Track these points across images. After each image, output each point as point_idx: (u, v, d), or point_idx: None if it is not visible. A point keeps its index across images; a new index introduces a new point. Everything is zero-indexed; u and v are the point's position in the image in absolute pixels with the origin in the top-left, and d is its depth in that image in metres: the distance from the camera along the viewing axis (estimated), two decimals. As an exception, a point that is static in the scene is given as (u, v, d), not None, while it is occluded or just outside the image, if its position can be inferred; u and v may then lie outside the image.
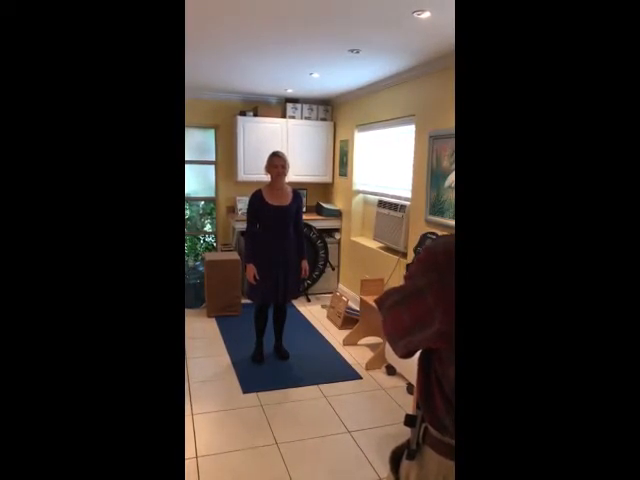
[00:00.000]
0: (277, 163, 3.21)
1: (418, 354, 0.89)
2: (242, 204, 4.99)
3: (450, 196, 3.21)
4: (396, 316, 0.85)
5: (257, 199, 3.23)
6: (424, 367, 0.87)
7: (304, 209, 5.23)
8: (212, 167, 5.39)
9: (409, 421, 0.90)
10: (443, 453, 0.83)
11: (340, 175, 5.19)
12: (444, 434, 0.83)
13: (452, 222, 3.18)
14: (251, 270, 3.22)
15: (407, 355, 0.88)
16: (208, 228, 6.07)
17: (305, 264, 3.39)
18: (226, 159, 5.26)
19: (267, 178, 3.33)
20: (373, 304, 3.50)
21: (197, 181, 5.49)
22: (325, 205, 5.26)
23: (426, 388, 0.86)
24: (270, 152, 3.34)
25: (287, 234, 3.27)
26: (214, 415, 2.74)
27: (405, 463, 0.91)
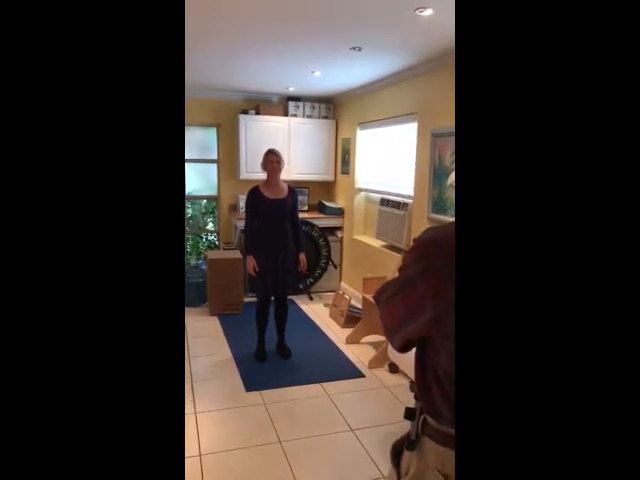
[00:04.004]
0: (273, 159, 3.34)
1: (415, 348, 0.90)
2: (244, 202, 4.98)
3: (452, 194, 3.20)
4: (392, 308, 0.87)
5: (255, 194, 3.35)
6: (420, 358, 0.89)
7: (306, 207, 5.29)
8: (214, 166, 5.39)
9: (409, 414, 0.92)
10: (441, 442, 0.85)
11: (342, 173, 5.18)
12: (441, 423, 0.85)
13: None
14: (251, 261, 3.32)
15: (404, 348, 0.90)
16: (210, 227, 6.07)
17: (303, 257, 3.47)
18: (228, 158, 5.26)
19: (265, 176, 3.40)
20: (374, 302, 3.47)
21: (199, 180, 5.50)
22: (327, 203, 5.26)
23: (423, 378, 0.88)
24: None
25: (284, 226, 3.36)
26: (217, 413, 2.75)
27: (406, 454, 0.93)
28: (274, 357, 3.53)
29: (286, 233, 3.36)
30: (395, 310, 0.86)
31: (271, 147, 3.51)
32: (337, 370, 3.34)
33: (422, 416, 0.90)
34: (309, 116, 5.21)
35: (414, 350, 0.91)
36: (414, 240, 0.84)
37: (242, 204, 5.10)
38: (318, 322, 4.32)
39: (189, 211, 5.80)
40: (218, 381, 3.16)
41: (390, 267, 4.02)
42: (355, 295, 4.68)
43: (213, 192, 5.51)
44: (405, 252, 0.84)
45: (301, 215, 3.62)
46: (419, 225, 3.62)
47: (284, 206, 3.36)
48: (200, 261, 4.89)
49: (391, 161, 4.31)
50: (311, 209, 5.40)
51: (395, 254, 4.03)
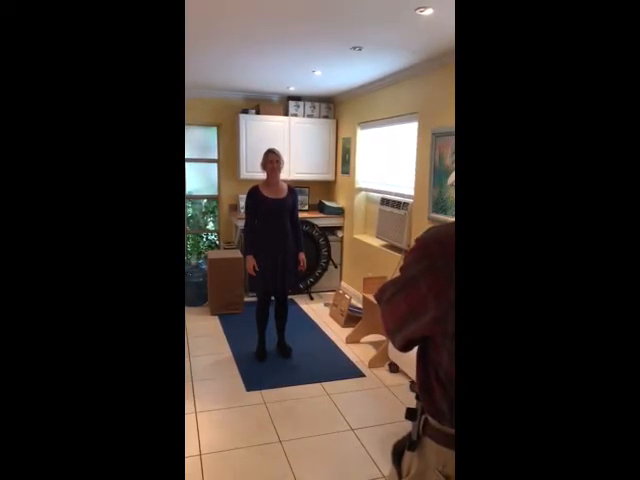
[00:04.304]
0: (272, 159, 3.35)
1: (417, 348, 0.90)
2: (244, 202, 5.00)
3: (453, 194, 3.20)
4: (394, 308, 0.87)
5: (254, 194, 3.36)
6: (422, 358, 0.89)
7: (306, 207, 5.29)
8: (214, 165, 5.39)
9: (410, 414, 0.92)
10: (442, 442, 0.84)
11: (342, 173, 5.18)
12: (443, 422, 0.85)
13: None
14: (251, 261, 3.34)
15: (406, 347, 0.90)
16: (211, 226, 6.07)
17: (302, 256, 3.47)
18: (228, 157, 5.26)
19: (265, 176, 3.41)
20: (375, 301, 3.48)
21: (199, 179, 5.50)
22: (327, 203, 5.26)
23: (424, 378, 0.88)
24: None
25: (284, 225, 3.37)
26: (217, 413, 2.75)
27: (407, 455, 0.92)
28: (274, 356, 3.53)
29: (286, 233, 3.37)
30: (397, 309, 0.86)
31: (271, 147, 3.52)
32: (337, 370, 3.34)
33: (423, 416, 0.89)
34: (309, 116, 5.20)
35: (415, 350, 0.91)
36: (416, 240, 0.84)
37: (242, 204, 5.11)
38: (318, 322, 4.32)
39: (189, 211, 5.80)
40: (218, 380, 3.16)
41: (390, 267, 4.02)
42: (355, 295, 4.68)
43: (213, 192, 5.51)
44: (406, 251, 0.84)
45: (301, 215, 3.62)
46: (419, 225, 3.62)
47: (284, 205, 3.36)
48: (201, 261, 4.89)
49: (391, 161, 4.31)
50: (311, 209, 5.40)
51: (395, 254, 4.03)
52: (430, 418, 0.88)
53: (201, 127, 5.28)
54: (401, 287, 0.85)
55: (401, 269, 0.86)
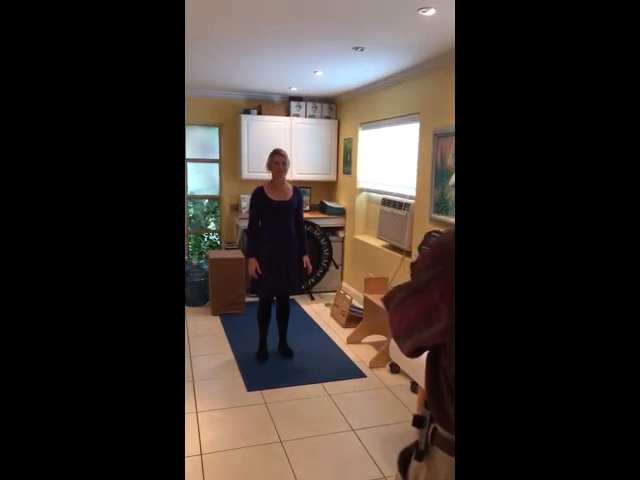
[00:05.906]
0: (278, 160, 3.30)
1: (426, 354, 0.87)
2: (246, 202, 4.99)
3: (454, 194, 3.20)
4: (403, 313, 0.84)
5: (259, 195, 3.32)
6: (432, 365, 0.86)
7: (307, 207, 5.29)
8: (216, 165, 5.40)
9: (417, 422, 0.90)
10: (452, 453, 0.82)
11: (344, 173, 5.18)
12: (453, 432, 0.82)
13: (456, 220, 3.16)
14: (253, 264, 3.30)
15: (414, 354, 0.86)
16: (212, 226, 6.08)
17: (307, 259, 3.43)
18: (230, 157, 5.26)
19: (270, 177, 3.38)
20: (377, 302, 3.51)
21: (201, 179, 5.50)
22: (329, 203, 5.26)
23: (434, 385, 0.85)
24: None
25: (288, 228, 3.34)
26: (218, 413, 2.75)
27: (414, 464, 0.90)
28: (275, 357, 3.53)
29: (290, 236, 3.34)
30: (406, 315, 0.83)
31: (277, 147, 3.46)
32: (338, 370, 3.34)
33: (432, 425, 0.86)
34: (311, 116, 5.20)
35: (422, 355, 0.88)
36: (430, 244, 0.82)
37: (244, 204, 5.11)
38: (319, 322, 4.32)
39: (191, 211, 5.81)
40: (219, 380, 3.16)
41: (392, 267, 4.02)
42: (356, 295, 4.67)
43: (215, 192, 5.52)
44: (408, 252, 0.83)
45: (304, 215, 3.59)
46: (421, 225, 3.62)
47: (288, 207, 3.33)
48: (202, 261, 4.90)
49: (393, 161, 4.30)
50: (313, 209, 5.40)
51: (397, 254, 4.03)
52: (439, 427, 0.85)
53: (203, 127, 5.29)
54: (412, 292, 0.82)
55: (412, 274, 0.83)
